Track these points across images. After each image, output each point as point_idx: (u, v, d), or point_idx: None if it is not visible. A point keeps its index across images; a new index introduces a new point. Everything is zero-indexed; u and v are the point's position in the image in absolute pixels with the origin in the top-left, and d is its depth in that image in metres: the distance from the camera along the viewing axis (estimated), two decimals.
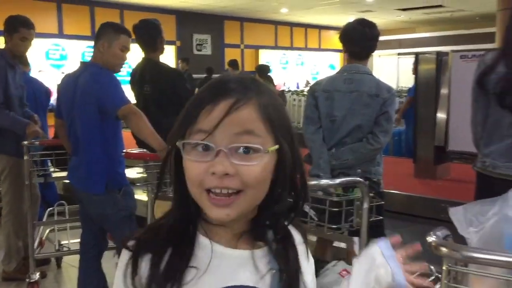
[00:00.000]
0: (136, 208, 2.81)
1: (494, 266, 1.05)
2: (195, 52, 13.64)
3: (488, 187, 1.94)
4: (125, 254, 0.82)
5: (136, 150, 2.86)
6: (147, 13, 11.96)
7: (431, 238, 1.11)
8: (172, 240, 0.81)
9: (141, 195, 3.15)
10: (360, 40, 2.62)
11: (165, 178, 0.88)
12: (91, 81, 2.58)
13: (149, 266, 0.79)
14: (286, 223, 0.86)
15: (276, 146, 0.78)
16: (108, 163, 2.62)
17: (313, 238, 2.69)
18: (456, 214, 1.16)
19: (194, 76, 10.96)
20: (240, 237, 0.82)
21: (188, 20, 13.28)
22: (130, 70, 3.67)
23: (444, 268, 1.12)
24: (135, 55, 3.25)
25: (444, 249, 1.07)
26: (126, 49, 2.72)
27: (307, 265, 0.87)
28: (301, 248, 0.87)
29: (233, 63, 10.54)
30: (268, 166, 0.78)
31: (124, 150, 2.65)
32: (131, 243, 0.82)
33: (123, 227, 2.65)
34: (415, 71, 4.54)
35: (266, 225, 0.84)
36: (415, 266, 0.84)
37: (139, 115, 2.57)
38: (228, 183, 0.75)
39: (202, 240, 0.81)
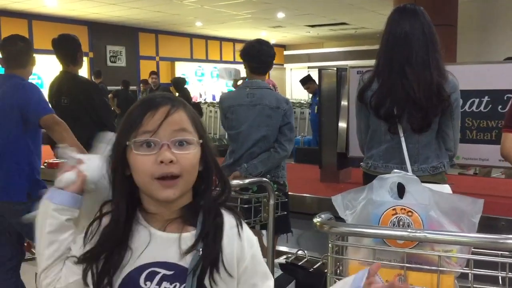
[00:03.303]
0: None
1: (363, 236, 1.36)
2: (109, 63, 13.47)
3: None
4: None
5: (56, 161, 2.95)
6: (58, 23, 11.66)
7: (316, 219, 1.41)
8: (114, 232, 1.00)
9: None
10: (257, 56, 2.94)
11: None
12: (15, 92, 2.67)
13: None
14: (217, 207, 1.05)
15: (200, 140, 1.02)
16: (30, 172, 2.69)
17: None
18: (336, 200, 1.45)
19: (109, 87, 10.84)
20: (170, 223, 1.02)
21: (101, 32, 13.08)
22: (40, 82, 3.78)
23: (329, 244, 1.42)
24: (52, 67, 3.32)
25: (326, 226, 1.37)
26: None
27: (238, 243, 1.03)
28: (232, 230, 1.04)
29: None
30: (197, 154, 1.01)
31: (46, 161, 2.74)
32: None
33: None
34: (319, 84, 4.95)
35: (197, 211, 1.02)
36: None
37: (62, 125, 2.70)
38: (172, 169, 0.97)
39: (142, 224, 1.03)
